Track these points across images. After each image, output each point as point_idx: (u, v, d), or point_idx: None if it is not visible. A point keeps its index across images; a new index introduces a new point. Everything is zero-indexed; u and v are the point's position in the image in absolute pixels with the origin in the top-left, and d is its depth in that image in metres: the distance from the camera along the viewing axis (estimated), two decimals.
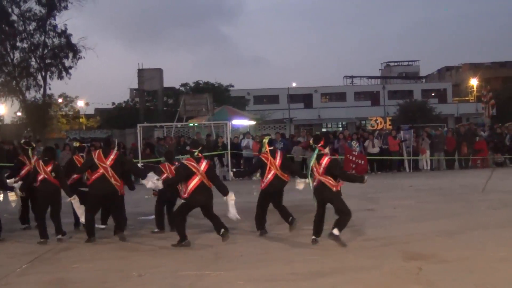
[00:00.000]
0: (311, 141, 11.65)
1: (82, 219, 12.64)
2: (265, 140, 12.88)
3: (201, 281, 8.95)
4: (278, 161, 12.47)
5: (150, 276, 9.40)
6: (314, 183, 11.19)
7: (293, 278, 8.88)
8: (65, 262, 10.69)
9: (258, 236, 12.43)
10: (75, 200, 12.60)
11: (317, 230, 11.33)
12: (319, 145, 11.24)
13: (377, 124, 26.81)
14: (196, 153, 11.65)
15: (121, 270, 9.88)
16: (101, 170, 12.34)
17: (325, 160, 11.03)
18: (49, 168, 12.57)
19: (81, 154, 14.07)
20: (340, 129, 67.03)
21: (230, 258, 10.55)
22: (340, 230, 10.84)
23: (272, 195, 12.60)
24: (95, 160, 12.41)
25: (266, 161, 12.50)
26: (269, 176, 12.42)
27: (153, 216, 14.85)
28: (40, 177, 12.61)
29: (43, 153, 13.50)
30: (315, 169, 11.11)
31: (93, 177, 12.42)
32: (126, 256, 11.08)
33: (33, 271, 10.18)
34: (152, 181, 12.32)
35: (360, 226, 13.03)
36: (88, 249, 11.87)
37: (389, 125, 26.63)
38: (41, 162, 12.79)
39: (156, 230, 13.46)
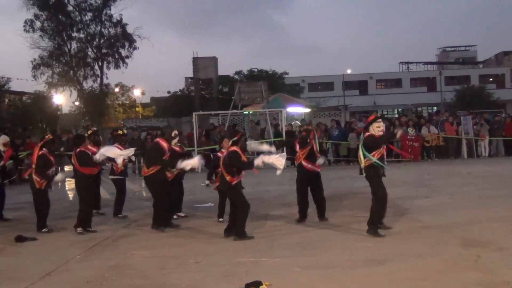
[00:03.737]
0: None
1: None
2: None
3: (257, 268, 8.95)
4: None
5: (207, 263, 9.45)
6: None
7: (350, 265, 8.84)
8: (123, 249, 10.83)
9: (317, 223, 12.47)
10: None
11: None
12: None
13: None
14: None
15: (178, 257, 9.97)
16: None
17: None
18: None
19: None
20: (396, 115, 66.22)
21: (287, 245, 10.54)
22: None
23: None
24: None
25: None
26: None
27: (209, 204, 15.00)
28: None
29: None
30: None
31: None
32: (183, 243, 11.18)
33: (92, 257, 10.35)
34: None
35: (417, 213, 12.93)
36: (145, 236, 12.03)
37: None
38: None
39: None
